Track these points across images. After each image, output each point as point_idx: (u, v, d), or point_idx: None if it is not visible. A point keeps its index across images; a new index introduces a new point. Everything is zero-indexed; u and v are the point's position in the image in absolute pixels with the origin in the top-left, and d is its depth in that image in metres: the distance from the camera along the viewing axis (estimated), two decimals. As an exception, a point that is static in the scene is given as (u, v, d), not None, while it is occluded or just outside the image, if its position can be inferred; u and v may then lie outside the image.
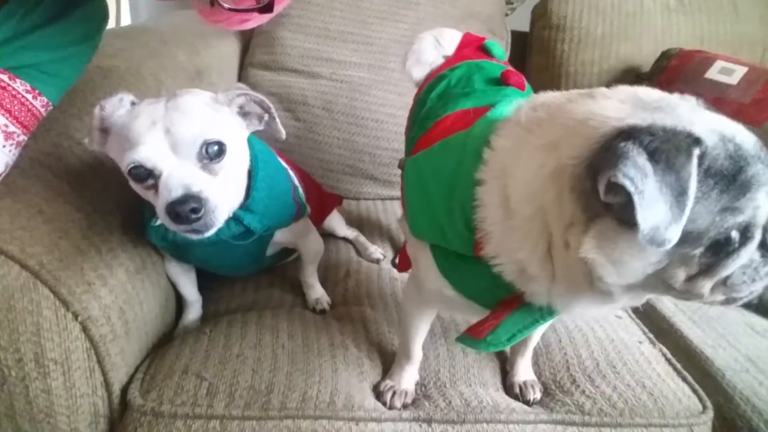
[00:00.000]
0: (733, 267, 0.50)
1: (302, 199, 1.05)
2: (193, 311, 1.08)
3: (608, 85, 1.82)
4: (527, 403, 0.88)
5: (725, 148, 0.48)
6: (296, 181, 1.07)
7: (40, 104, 0.74)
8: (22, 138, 0.73)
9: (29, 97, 0.72)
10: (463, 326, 1.03)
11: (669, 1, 1.71)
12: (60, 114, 0.87)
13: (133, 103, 0.79)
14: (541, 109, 0.60)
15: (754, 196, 0.48)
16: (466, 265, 0.65)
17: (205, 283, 1.12)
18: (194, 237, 0.76)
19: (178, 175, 0.73)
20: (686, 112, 0.52)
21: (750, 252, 0.50)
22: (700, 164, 0.47)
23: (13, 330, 0.71)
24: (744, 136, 0.50)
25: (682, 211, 0.46)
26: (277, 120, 0.87)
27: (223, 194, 0.77)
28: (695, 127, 0.49)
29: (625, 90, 0.57)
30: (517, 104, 0.66)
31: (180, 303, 1.09)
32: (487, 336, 0.66)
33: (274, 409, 0.80)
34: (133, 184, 0.77)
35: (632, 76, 1.65)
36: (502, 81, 0.88)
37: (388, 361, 0.94)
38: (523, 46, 1.85)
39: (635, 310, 1.10)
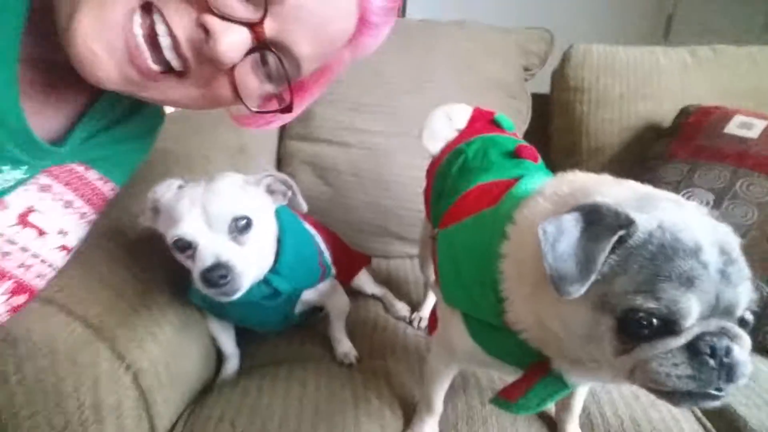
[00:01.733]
0: (647, 352, 0.52)
1: (328, 263, 1.15)
2: (232, 364, 1.17)
3: (629, 141, 1.79)
4: None
5: (662, 236, 0.52)
6: (322, 246, 1.18)
7: (108, 188, 0.85)
8: (93, 217, 0.85)
9: (100, 183, 0.83)
10: (487, 381, 1.06)
11: (686, 60, 1.72)
12: (123, 193, 1.00)
13: (180, 186, 0.92)
14: (567, 184, 0.66)
15: (672, 289, 0.50)
16: (496, 332, 0.69)
17: (243, 338, 1.21)
18: (223, 299, 0.87)
19: (211, 246, 0.85)
20: (664, 205, 0.57)
21: (667, 346, 0.52)
22: (622, 242, 0.53)
23: (76, 380, 0.79)
24: (691, 234, 0.52)
25: (587, 275, 0.53)
26: (299, 196, 0.99)
27: (250, 262, 0.89)
28: (640, 215, 0.54)
29: (645, 187, 0.63)
30: (545, 180, 0.72)
31: (220, 357, 1.18)
32: (519, 399, 0.68)
33: (298, 457, 0.86)
34: (175, 255, 0.90)
35: (653, 132, 1.66)
36: (516, 154, 0.95)
37: (409, 413, 0.98)
38: (545, 108, 1.88)
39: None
